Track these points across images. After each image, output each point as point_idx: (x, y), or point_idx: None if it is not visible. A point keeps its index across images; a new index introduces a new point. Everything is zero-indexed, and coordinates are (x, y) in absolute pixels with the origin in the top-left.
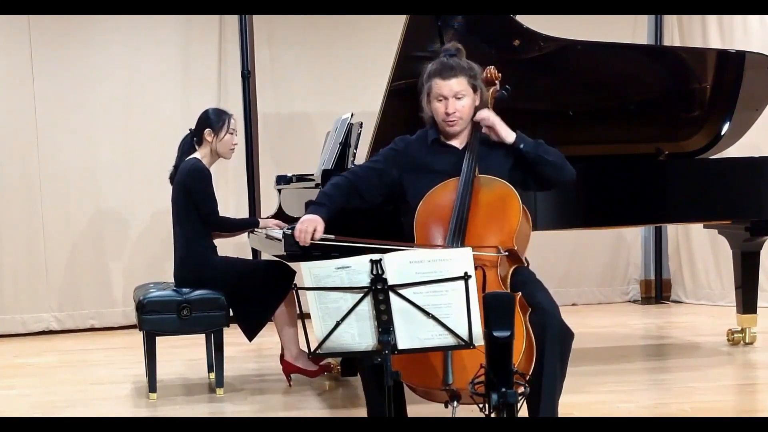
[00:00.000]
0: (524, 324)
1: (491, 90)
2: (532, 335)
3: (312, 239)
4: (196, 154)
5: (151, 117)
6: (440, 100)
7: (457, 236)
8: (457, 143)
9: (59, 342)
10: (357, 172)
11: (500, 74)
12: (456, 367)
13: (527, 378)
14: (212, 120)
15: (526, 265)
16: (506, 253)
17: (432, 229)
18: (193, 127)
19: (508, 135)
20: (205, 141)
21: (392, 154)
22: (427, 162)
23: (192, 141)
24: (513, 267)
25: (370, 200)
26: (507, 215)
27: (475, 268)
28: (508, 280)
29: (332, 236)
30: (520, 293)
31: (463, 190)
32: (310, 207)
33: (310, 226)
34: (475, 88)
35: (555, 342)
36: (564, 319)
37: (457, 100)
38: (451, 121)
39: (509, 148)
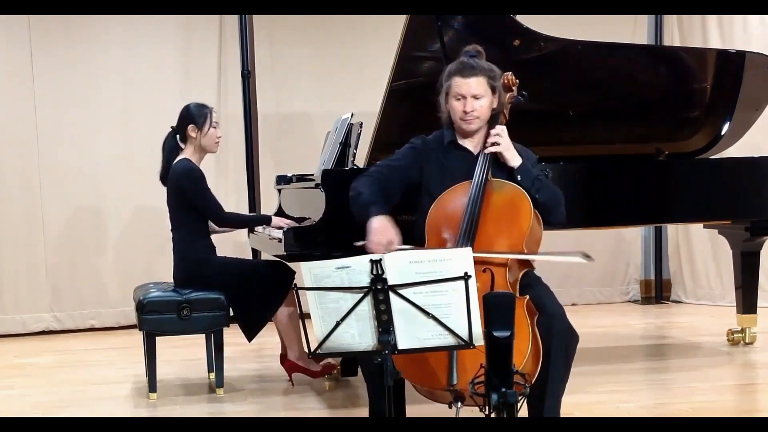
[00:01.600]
0: (531, 327)
1: (508, 96)
2: (539, 339)
3: (388, 251)
4: (184, 154)
5: (151, 117)
6: (458, 99)
7: (467, 239)
8: (472, 146)
9: (59, 342)
10: (381, 171)
11: (518, 80)
12: (461, 368)
13: (532, 381)
14: (194, 115)
15: (534, 268)
16: (516, 256)
17: (443, 232)
18: (174, 124)
19: (513, 159)
20: (190, 137)
21: (412, 153)
22: (443, 163)
23: (175, 139)
24: (522, 271)
25: (395, 199)
26: (518, 219)
27: (484, 271)
28: (517, 285)
29: (410, 246)
30: (527, 297)
31: (475, 193)
32: (370, 208)
33: (385, 238)
34: (494, 90)
35: (561, 344)
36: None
37: (475, 99)
38: (468, 120)
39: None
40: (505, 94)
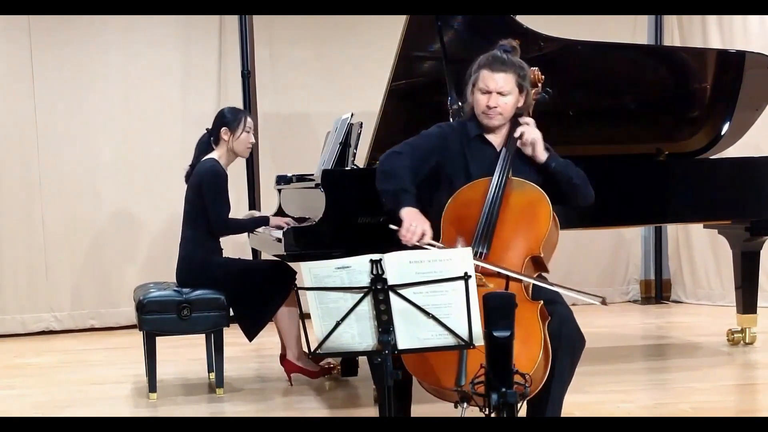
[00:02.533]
0: (543, 333)
1: (533, 91)
2: (549, 346)
3: (419, 242)
4: (213, 154)
5: (151, 117)
6: (484, 93)
7: (485, 239)
8: (496, 143)
9: (59, 342)
10: (412, 154)
11: (543, 77)
12: (470, 370)
13: (540, 386)
14: (228, 119)
15: (548, 272)
16: (533, 281)
17: (459, 228)
18: (209, 126)
19: (542, 154)
20: (222, 140)
21: (440, 137)
22: (466, 157)
23: (209, 140)
24: (536, 274)
25: (419, 180)
26: (536, 221)
27: (499, 274)
28: (531, 288)
29: (440, 244)
30: (542, 302)
31: (495, 191)
32: (402, 196)
33: (420, 227)
34: (521, 89)
35: (568, 349)
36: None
37: (500, 96)
38: (490, 115)
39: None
40: (531, 93)
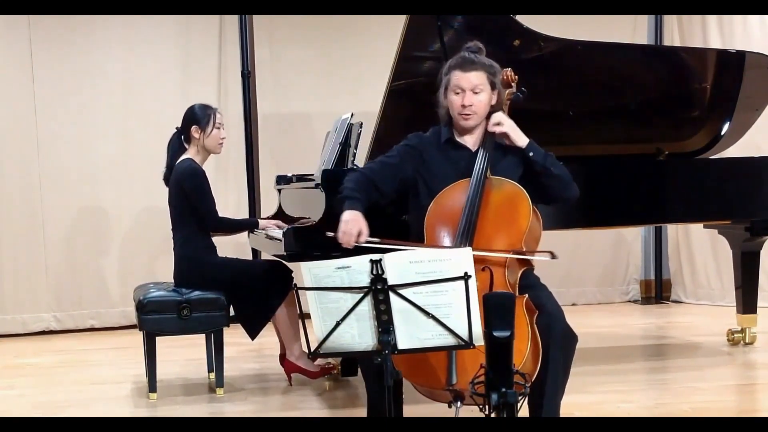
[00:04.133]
0: (530, 326)
1: (507, 92)
2: (539, 338)
3: (357, 242)
4: (187, 154)
5: (150, 117)
6: (457, 93)
7: (466, 237)
8: (470, 144)
9: (59, 342)
10: (373, 167)
11: (517, 76)
12: (460, 368)
13: (531, 380)
14: (198, 116)
15: (533, 268)
16: (513, 255)
17: (442, 230)
18: (179, 125)
19: (520, 139)
20: (193, 138)
21: (407, 150)
22: (439, 161)
23: (180, 140)
24: (522, 270)
25: (386, 195)
26: (516, 217)
27: (483, 270)
28: (517, 285)
29: (377, 239)
30: (526, 295)
31: (474, 190)
32: (346, 203)
33: (355, 228)
34: (493, 86)
35: (559, 345)
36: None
37: (474, 94)
38: (466, 115)
39: (521, 156)
40: (504, 91)
